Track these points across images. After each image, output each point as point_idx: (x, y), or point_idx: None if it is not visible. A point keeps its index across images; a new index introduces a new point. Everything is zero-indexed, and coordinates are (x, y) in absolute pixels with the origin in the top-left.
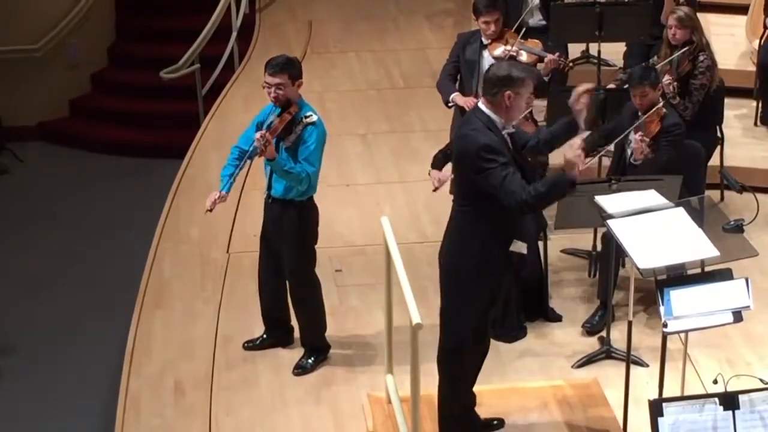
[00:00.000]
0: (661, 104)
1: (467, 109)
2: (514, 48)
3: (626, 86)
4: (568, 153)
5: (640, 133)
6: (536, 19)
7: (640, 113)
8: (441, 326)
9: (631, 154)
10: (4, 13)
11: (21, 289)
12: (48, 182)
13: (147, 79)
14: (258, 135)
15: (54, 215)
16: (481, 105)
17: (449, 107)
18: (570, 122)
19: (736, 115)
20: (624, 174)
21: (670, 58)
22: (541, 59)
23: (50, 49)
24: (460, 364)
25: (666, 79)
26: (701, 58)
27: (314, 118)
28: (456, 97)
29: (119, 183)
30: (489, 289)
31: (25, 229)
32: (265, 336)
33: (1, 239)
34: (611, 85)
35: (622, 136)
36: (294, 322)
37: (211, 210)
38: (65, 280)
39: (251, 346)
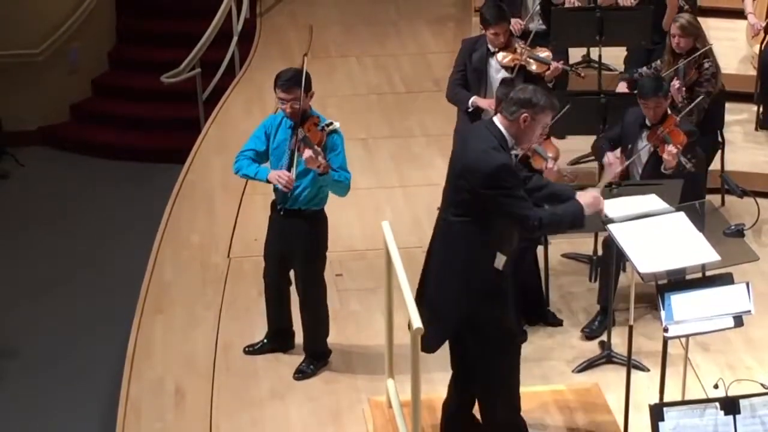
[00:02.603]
0: (677, 117)
1: (490, 110)
2: (524, 57)
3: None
4: (593, 199)
5: (671, 145)
6: (537, 24)
7: (648, 122)
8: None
9: (646, 163)
10: (5, 17)
11: (22, 292)
12: (49, 187)
13: (148, 83)
14: (310, 155)
15: (54, 220)
16: (497, 120)
17: (470, 112)
18: (577, 210)
19: (737, 119)
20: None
21: (675, 67)
22: (548, 67)
23: (51, 54)
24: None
25: (675, 83)
26: (706, 65)
27: (336, 125)
28: (477, 100)
29: (120, 188)
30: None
31: (25, 233)
32: (265, 341)
33: (1, 243)
34: (621, 89)
35: (643, 148)
36: (295, 327)
37: (290, 187)
38: (66, 285)
39: (252, 350)
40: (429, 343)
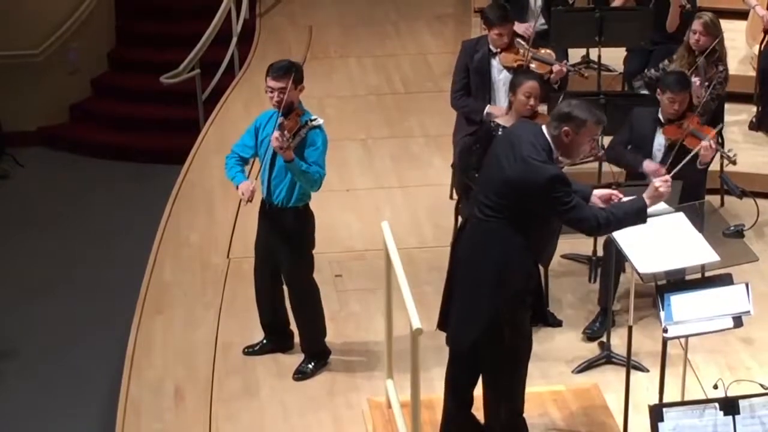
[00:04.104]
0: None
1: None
2: (527, 58)
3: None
4: (663, 187)
5: (704, 141)
6: (538, 24)
7: (663, 118)
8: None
9: (672, 160)
10: (5, 17)
11: (21, 293)
12: (48, 187)
13: (147, 84)
14: (276, 135)
15: (54, 220)
16: (545, 129)
17: (469, 117)
18: (639, 206)
19: (737, 119)
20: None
21: (696, 65)
22: (551, 68)
23: (51, 54)
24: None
25: (695, 80)
26: (720, 68)
27: (320, 121)
28: (491, 109)
29: (119, 188)
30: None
31: (25, 233)
32: (264, 341)
33: (1, 243)
34: (638, 83)
35: (689, 156)
36: (293, 327)
37: (251, 200)
38: (66, 285)
39: (251, 351)
40: (461, 343)
